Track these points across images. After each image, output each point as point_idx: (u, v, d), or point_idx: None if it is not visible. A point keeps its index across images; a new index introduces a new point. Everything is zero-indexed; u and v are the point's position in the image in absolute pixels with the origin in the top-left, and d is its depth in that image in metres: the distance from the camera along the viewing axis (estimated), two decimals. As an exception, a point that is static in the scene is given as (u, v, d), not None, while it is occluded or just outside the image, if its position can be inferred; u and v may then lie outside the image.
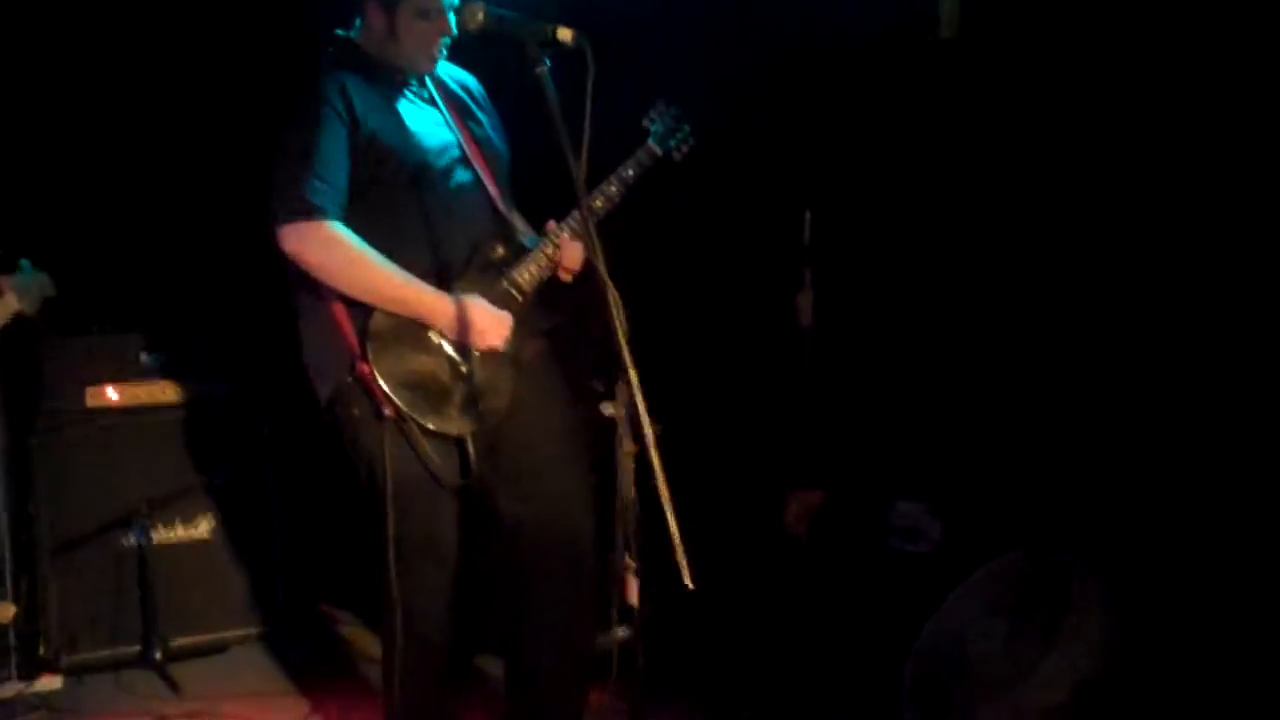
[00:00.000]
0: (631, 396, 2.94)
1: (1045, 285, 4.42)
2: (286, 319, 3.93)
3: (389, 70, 3.92)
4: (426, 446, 3.77)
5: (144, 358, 5.21)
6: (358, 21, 3.95)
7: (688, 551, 2.93)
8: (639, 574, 3.17)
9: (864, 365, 4.87)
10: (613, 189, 3.99)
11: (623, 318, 3.02)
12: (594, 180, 3.94)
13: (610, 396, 3.18)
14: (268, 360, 5.25)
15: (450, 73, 4.12)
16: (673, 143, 4.14)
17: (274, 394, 5.29)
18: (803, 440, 4.84)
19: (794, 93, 4.87)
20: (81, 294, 4.92)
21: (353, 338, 3.76)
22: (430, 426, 3.77)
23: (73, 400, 5.09)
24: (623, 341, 2.98)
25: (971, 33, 4.47)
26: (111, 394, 5.13)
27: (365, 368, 3.72)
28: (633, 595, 3.17)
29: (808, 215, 4.86)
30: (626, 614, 3.24)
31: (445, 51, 3.94)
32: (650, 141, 4.10)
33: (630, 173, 4.01)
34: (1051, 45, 4.34)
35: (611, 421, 3.18)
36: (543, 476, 3.97)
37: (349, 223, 3.74)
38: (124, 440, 5.12)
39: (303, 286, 3.83)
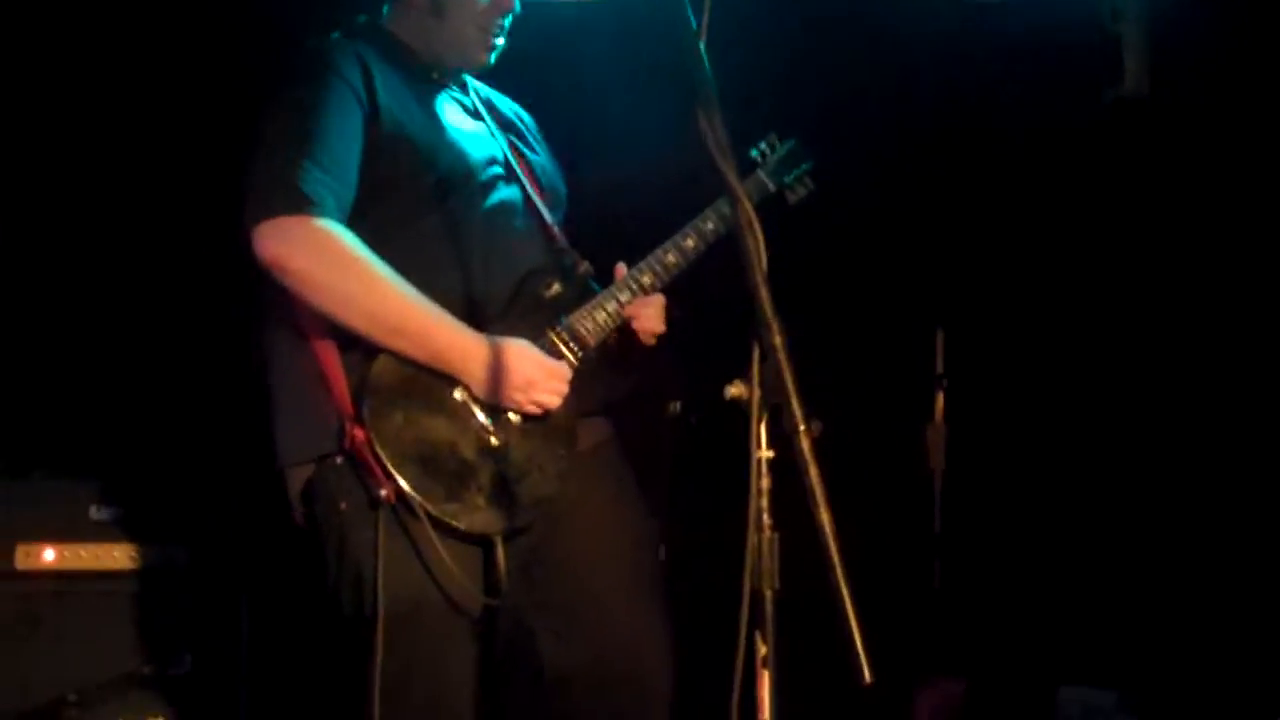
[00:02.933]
0: (775, 365, 1.92)
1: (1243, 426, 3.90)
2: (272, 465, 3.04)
3: (425, 65, 3.12)
4: (440, 548, 2.76)
5: (94, 512, 4.41)
6: (385, 9, 3.18)
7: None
8: (775, 668, 2.03)
9: (1011, 517, 4.20)
10: (709, 226, 3.15)
11: (761, 245, 2.04)
12: (678, 222, 3.15)
13: (736, 373, 2.06)
14: (248, 522, 4.47)
15: (502, 99, 3.36)
16: (788, 179, 3.36)
17: (255, 563, 4.50)
18: (935, 615, 4.08)
19: (931, 173, 4.33)
20: (22, 429, 4.54)
21: (344, 392, 2.80)
22: (447, 518, 2.78)
23: None
24: (760, 277, 2.00)
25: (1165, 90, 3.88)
26: (49, 555, 4.34)
27: (359, 433, 2.76)
28: (766, 703, 2.01)
29: (940, 334, 4.18)
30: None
31: (503, 37, 3.13)
32: (760, 173, 3.31)
33: (730, 211, 3.05)
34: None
35: (736, 408, 2.07)
36: (601, 610, 3.03)
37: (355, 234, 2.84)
38: (59, 613, 4.32)
39: (277, 319, 2.92)
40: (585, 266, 3.12)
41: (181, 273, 4.71)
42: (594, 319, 3.00)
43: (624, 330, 3.07)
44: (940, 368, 4.18)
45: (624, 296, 3.03)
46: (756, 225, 2.05)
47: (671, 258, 3.09)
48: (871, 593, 3.89)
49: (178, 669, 4.33)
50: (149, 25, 4.60)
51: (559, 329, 2.97)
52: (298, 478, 2.90)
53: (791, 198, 3.32)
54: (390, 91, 2.96)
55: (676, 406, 3.86)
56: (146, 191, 4.73)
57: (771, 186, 3.28)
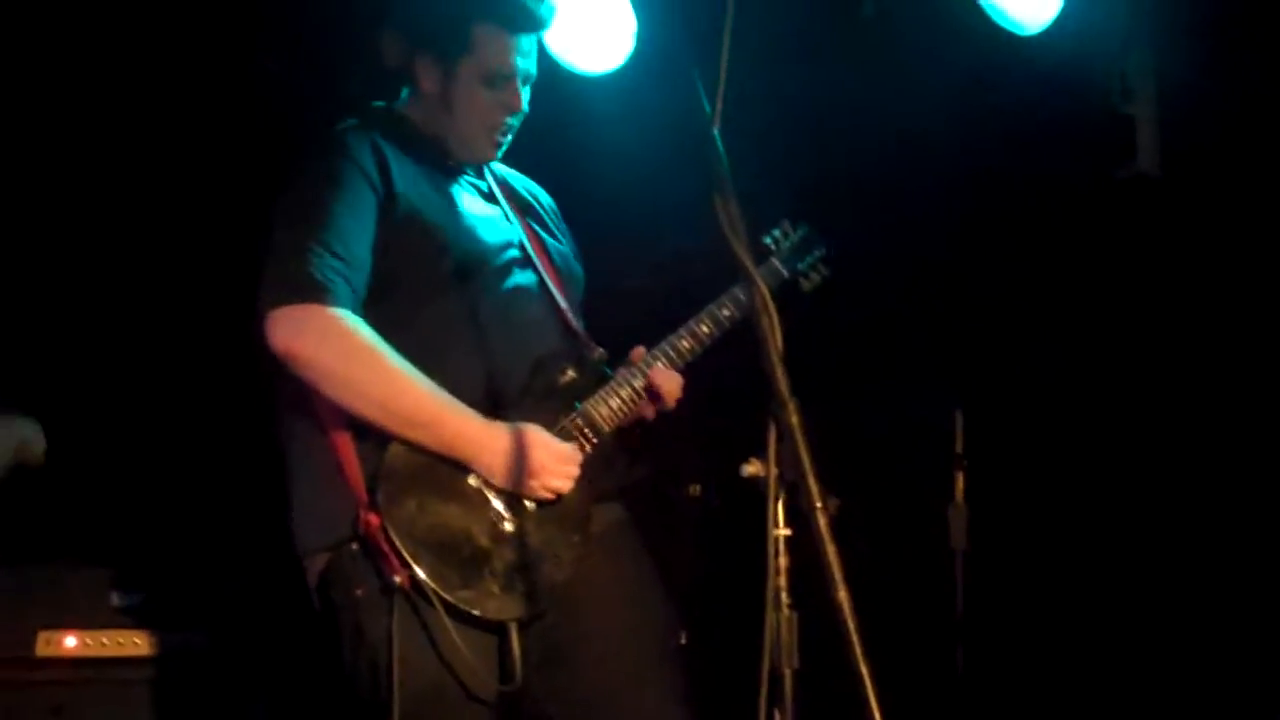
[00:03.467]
0: (792, 444, 1.88)
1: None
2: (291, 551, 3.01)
3: (440, 151, 3.10)
4: (454, 635, 2.72)
5: (114, 598, 4.33)
6: (405, 92, 3.17)
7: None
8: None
9: (1036, 600, 4.12)
10: (725, 312, 3.12)
11: (776, 327, 2.01)
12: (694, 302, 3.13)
13: (753, 451, 2.04)
14: (268, 608, 4.35)
15: (518, 179, 3.33)
16: (801, 266, 3.32)
17: (274, 649, 4.36)
18: (958, 701, 3.99)
19: (946, 255, 4.26)
20: (42, 516, 4.40)
21: (359, 480, 2.77)
22: (461, 605, 2.73)
23: (19, 647, 4.21)
24: (777, 361, 1.96)
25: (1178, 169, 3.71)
26: (70, 642, 4.26)
27: (374, 519, 2.72)
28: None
29: (959, 415, 4.09)
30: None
31: (510, 136, 3.13)
32: (773, 260, 3.27)
33: (745, 295, 3.04)
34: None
35: (752, 486, 2.05)
36: (619, 701, 2.94)
37: (368, 323, 2.81)
38: (81, 701, 4.23)
39: (294, 408, 2.88)
40: (600, 353, 3.08)
41: (202, 359, 4.68)
42: (608, 404, 2.96)
43: (638, 416, 3.04)
44: (960, 448, 4.10)
45: (638, 382, 2.99)
46: (771, 307, 2.04)
47: (686, 343, 3.06)
48: (893, 677, 3.82)
49: None
50: (169, 103, 4.57)
51: (573, 415, 2.93)
52: (315, 565, 2.86)
53: (805, 285, 3.29)
54: (406, 177, 2.95)
55: (697, 489, 3.81)
56: (165, 273, 4.70)
57: (785, 273, 3.25)
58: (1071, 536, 4.17)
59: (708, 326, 3.10)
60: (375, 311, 2.83)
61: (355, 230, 2.83)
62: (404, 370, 2.77)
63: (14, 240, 4.63)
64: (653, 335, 3.10)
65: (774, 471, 2.01)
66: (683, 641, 3.59)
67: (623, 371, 3.02)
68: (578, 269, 3.27)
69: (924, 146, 4.24)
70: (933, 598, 4.04)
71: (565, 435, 2.90)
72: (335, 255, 2.78)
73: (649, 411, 3.04)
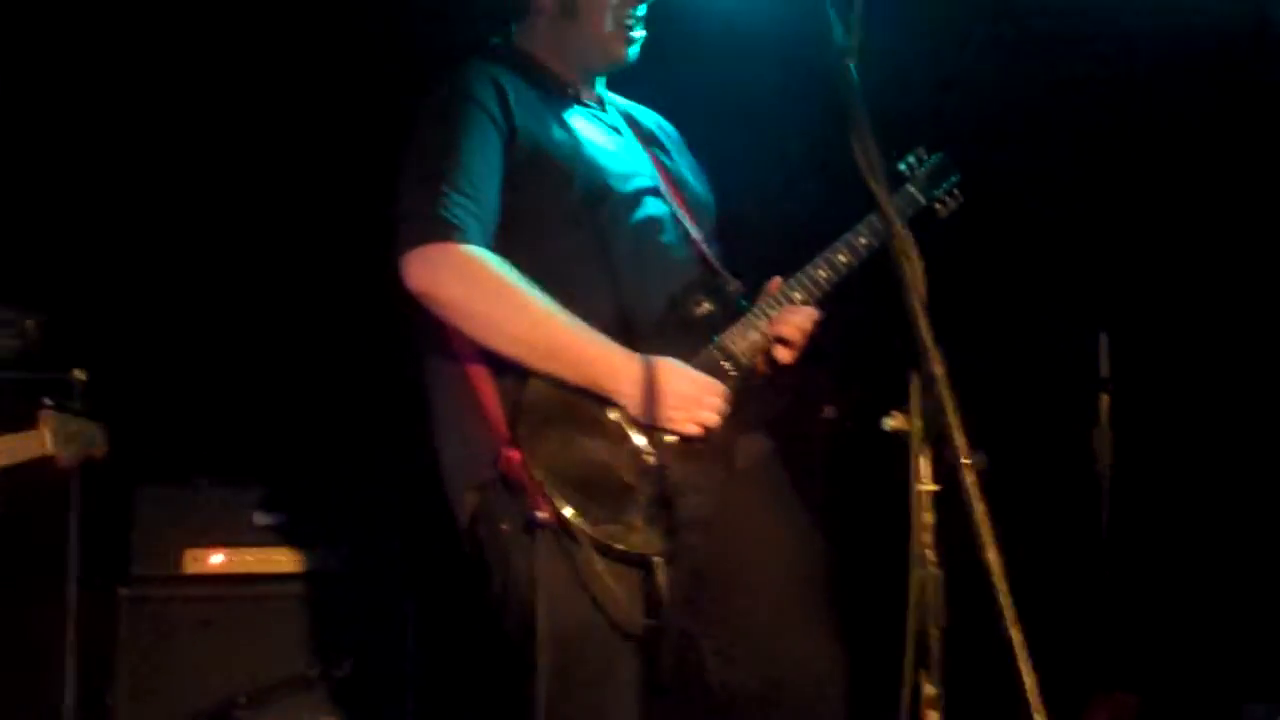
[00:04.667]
0: (937, 398, 1.80)
1: None
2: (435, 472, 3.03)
3: (561, 81, 3.08)
4: (600, 570, 2.72)
5: (258, 517, 4.45)
6: (512, 27, 3.14)
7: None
8: (943, 706, 1.96)
9: (1184, 524, 4.06)
10: (862, 241, 3.02)
11: (919, 274, 1.92)
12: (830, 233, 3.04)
13: (895, 404, 1.99)
14: (415, 524, 4.46)
15: (643, 112, 3.29)
16: (937, 192, 3.21)
17: (422, 566, 4.48)
18: (1107, 627, 3.87)
19: (1093, 173, 4.14)
20: (185, 437, 4.58)
21: (499, 415, 2.78)
22: (606, 540, 2.73)
23: (168, 565, 4.36)
24: (920, 310, 1.89)
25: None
26: (216, 559, 4.39)
27: (515, 455, 2.73)
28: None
29: (1104, 338, 3.97)
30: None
31: (642, 30, 3.06)
32: (909, 187, 3.16)
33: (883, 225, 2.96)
34: None
35: (896, 440, 2.00)
36: (769, 629, 2.92)
37: (500, 257, 2.80)
38: (227, 616, 4.37)
39: (435, 348, 2.89)
40: (735, 284, 3.04)
41: (350, 284, 4.70)
42: (746, 337, 2.93)
43: (777, 346, 2.99)
44: (1105, 371, 4.00)
45: (774, 312, 2.95)
46: (914, 253, 1.98)
47: (823, 273, 2.99)
48: (1040, 604, 3.78)
49: (341, 671, 4.34)
50: (293, 59, 4.66)
51: (711, 348, 2.90)
52: (463, 503, 2.88)
53: (941, 211, 3.19)
54: (528, 111, 2.93)
55: (832, 411, 3.76)
56: (315, 207, 4.77)
57: (922, 200, 3.16)
58: (1216, 457, 4.10)
59: (845, 256, 3.03)
60: (506, 246, 2.82)
61: (482, 169, 2.82)
62: (541, 303, 2.76)
63: (160, 174, 4.71)
64: (783, 265, 3.05)
65: (918, 425, 1.95)
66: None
67: (760, 303, 2.98)
68: (707, 197, 3.23)
69: (1068, 63, 4.15)
70: (1078, 521, 3.96)
71: (704, 367, 2.87)
72: (465, 195, 2.78)
73: (788, 343, 2.99)
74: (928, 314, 1.93)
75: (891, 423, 1.98)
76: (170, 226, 4.76)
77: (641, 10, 3.03)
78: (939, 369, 1.90)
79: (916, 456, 1.95)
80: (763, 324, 2.94)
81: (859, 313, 3.16)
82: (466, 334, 2.78)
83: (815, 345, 3.05)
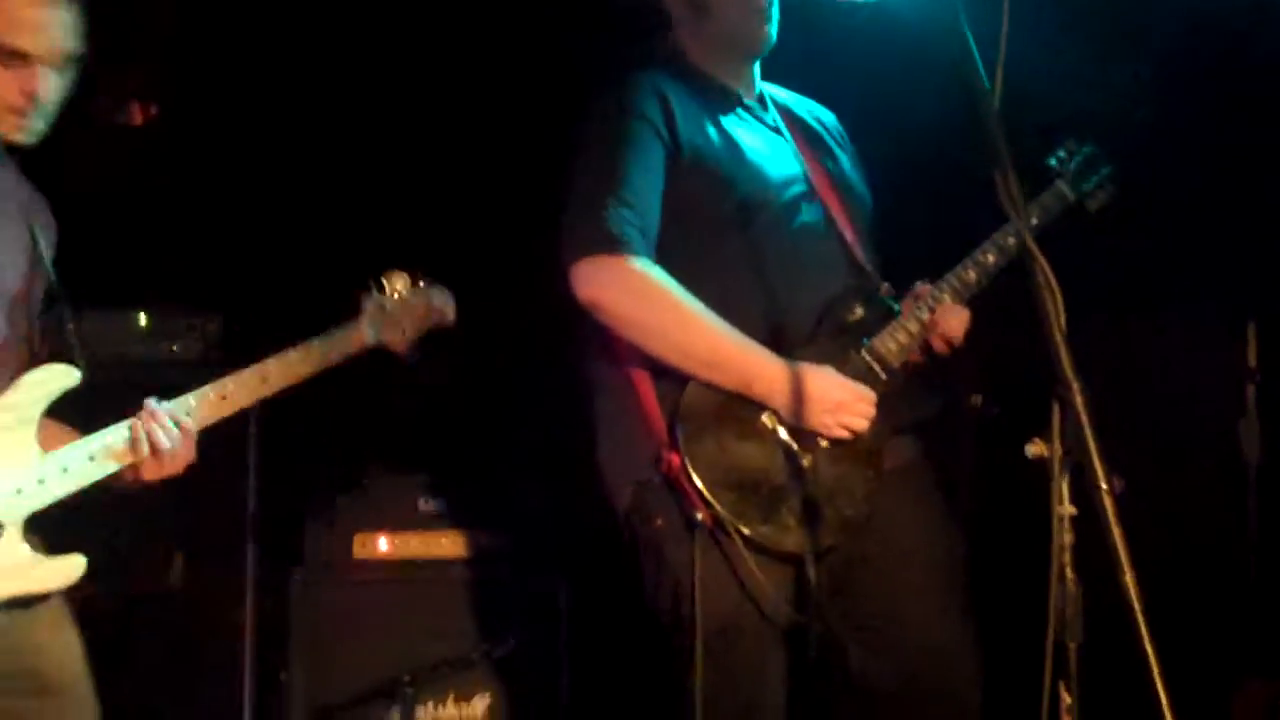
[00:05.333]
0: (1076, 424, 1.88)
1: None
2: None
3: (721, 86, 3.14)
4: (754, 567, 2.82)
5: (422, 504, 4.53)
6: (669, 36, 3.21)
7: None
8: (1079, 716, 2.05)
9: None
10: (1010, 240, 3.05)
11: (1060, 306, 1.98)
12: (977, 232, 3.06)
13: (1036, 429, 2.07)
14: (569, 510, 4.51)
15: (802, 104, 3.34)
16: (1088, 186, 3.21)
17: (574, 552, 4.53)
18: (1252, 614, 3.83)
19: (1238, 158, 4.00)
20: (354, 429, 4.69)
21: (659, 419, 2.89)
22: (761, 539, 2.84)
23: (338, 550, 4.46)
24: (1059, 337, 1.95)
25: None
26: (383, 544, 4.49)
27: (674, 458, 2.84)
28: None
29: (1252, 326, 3.92)
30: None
31: (775, 11, 3.08)
32: (1059, 183, 3.17)
33: (1034, 220, 3.06)
34: None
35: (1036, 466, 2.08)
36: (910, 623, 3.00)
37: (661, 267, 2.91)
38: (393, 598, 4.44)
39: (598, 352, 3.02)
40: (886, 287, 3.10)
41: (520, 278, 4.63)
42: (896, 339, 2.99)
43: (927, 349, 3.05)
44: (1253, 360, 3.96)
45: (925, 315, 3.00)
46: (1055, 284, 2.04)
47: (972, 274, 3.03)
48: (1186, 592, 3.78)
49: (503, 650, 4.40)
50: (463, 68, 4.73)
51: (863, 352, 2.98)
52: (621, 498, 2.99)
53: (1092, 205, 3.20)
54: (689, 120, 3.01)
55: (978, 400, 3.79)
56: (488, 207, 4.84)
57: (1071, 196, 3.17)
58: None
59: (993, 256, 3.06)
60: (666, 256, 2.92)
61: (646, 182, 2.92)
62: (700, 314, 2.86)
63: (329, 175, 4.80)
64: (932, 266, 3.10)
65: (1058, 451, 2.02)
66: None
67: (909, 306, 3.03)
68: (865, 194, 3.27)
69: (1211, 39, 4.05)
70: (1225, 513, 3.92)
71: (855, 372, 2.94)
72: (630, 207, 2.88)
73: (938, 345, 3.05)
74: (1068, 346, 1.98)
75: (1033, 449, 2.05)
76: (340, 226, 4.86)
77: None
78: (1079, 398, 1.96)
79: (1057, 481, 2.02)
80: (912, 326, 3.00)
81: (1001, 338, 3.17)
82: (629, 341, 2.90)
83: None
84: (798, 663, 2.96)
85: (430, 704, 4.36)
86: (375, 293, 3.00)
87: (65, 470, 2.61)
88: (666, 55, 3.17)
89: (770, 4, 3.08)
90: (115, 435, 2.66)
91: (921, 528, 3.06)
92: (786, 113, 3.26)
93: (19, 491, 2.57)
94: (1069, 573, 2.04)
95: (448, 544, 4.54)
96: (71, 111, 4.25)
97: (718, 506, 2.80)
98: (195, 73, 4.64)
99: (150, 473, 2.68)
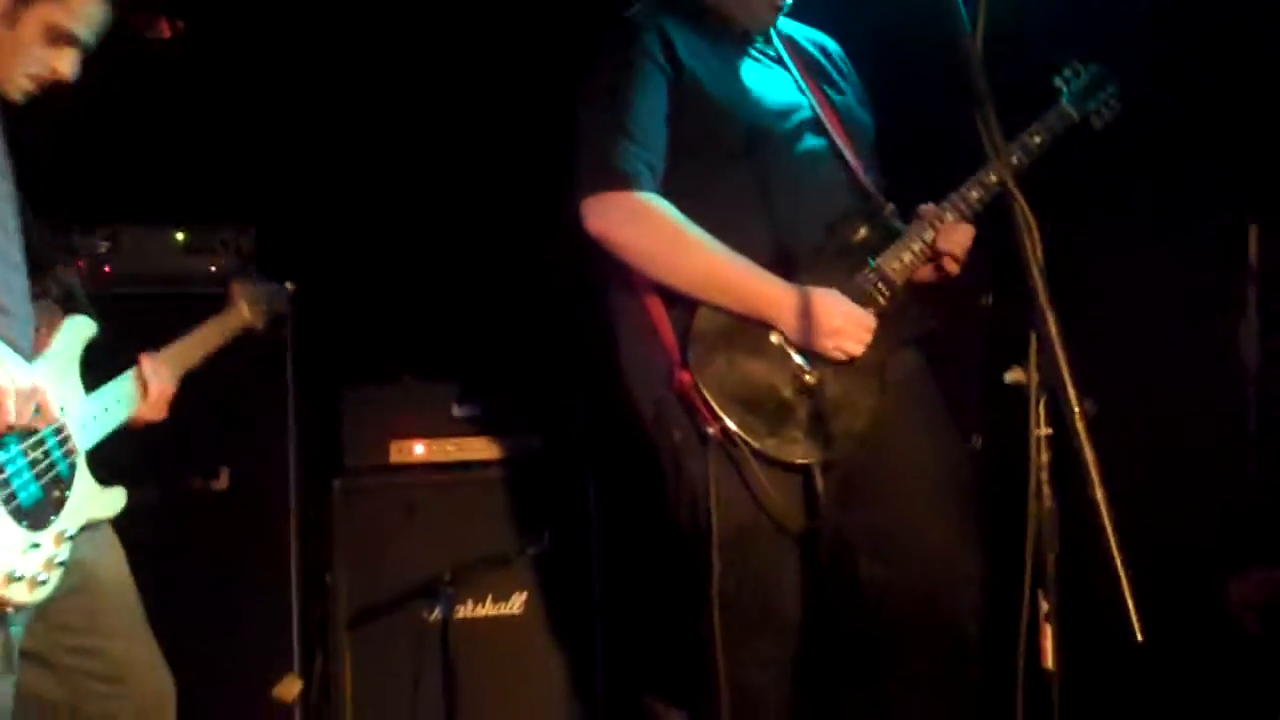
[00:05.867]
0: (1051, 353, 2.03)
1: None
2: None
3: (725, 23, 3.26)
4: (762, 478, 2.98)
5: (455, 410, 4.66)
6: None
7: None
8: (1057, 621, 2.21)
9: None
10: (1014, 159, 3.17)
11: (1036, 242, 2.11)
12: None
13: (1015, 359, 2.22)
14: (595, 412, 4.65)
15: (804, 33, 3.44)
16: (1092, 104, 3.33)
17: (600, 451, 4.66)
18: (1251, 503, 3.88)
19: (1235, 60, 3.95)
20: (386, 339, 4.78)
21: (672, 340, 3.05)
22: (767, 451, 3.00)
23: (376, 456, 4.58)
24: (1036, 272, 2.09)
25: None
26: (418, 449, 4.61)
27: (686, 376, 3.00)
28: (1048, 652, 2.21)
29: (1254, 227, 3.96)
30: (1038, 678, 2.26)
31: None
32: (1064, 102, 3.29)
33: (1037, 140, 3.21)
34: None
35: (1015, 392, 2.24)
36: (915, 529, 3.15)
37: (669, 197, 3.05)
38: (430, 501, 4.57)
39: (616, 280, 3.17)
40: (890, 207, 3.21)
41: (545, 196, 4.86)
42: (900, 259, 3.11)
43: (937, 266, 3.17)
44: (1254, 260, 3.98)
45: (928, 235, 3.12)
46: (1034, 224, 2.17)
47: (975, 193, 3.14)
48: (1186, 489, 3.86)
49: (539, 547, 4.53)
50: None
51: (868, 272, 3.10)
52: (642, 411, 3.16)
53: (1097, 122, 3.30)
54: (693, 55, 3.13)
55: (989, 299, 3.88)
56: (508, 128, 4.91)
57: (1076, 115, 3.27)
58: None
59: (1018, 156, 3.17)
60: (673, 184, 3.07)
61: (651, 116, 3.07)
62: (706, 243, 3.00)
63: (357, 101, 4.89)
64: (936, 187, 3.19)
65: (1035, 378, 2.16)
66: (977, 447, 3.76)
67: (915, 225, 3.15)
68: (866, 119, 3.38)
69: None
70: (1222, 411, 3.98)
71: (859, 291, 3.08)
72: (637, 144, 3.03)
73: (947, 264, 3.18)
74: (1045, 281, 2.11)
75: (1011, 375, 2.20)
76: (370, 146, 4.94)
77: None
78: (1053, 329, 2.09)
79: (1034, 405, 2.16)
80: (916, 245, 3.13)
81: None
82: (640, 271, 3.05)
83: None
84: (811, 569, 3.14)
85: (470, 602, 4.50)
86: (241, 283, 3.51)
87: (106, 410, 2.89)
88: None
89: None
90: (129, 382, 2.98)
91: (925, 438, 3.19)
92: (790, 43, 3.37)
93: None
94: (1045, 489, 2.18)
95: (481, 447, 4.64)
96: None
97: (726, 420, 2.95)
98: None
99: (146, 416, 3.03)
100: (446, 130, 4.99)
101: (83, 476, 2.80)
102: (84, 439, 2.81)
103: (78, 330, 2.91)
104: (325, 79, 4.82)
